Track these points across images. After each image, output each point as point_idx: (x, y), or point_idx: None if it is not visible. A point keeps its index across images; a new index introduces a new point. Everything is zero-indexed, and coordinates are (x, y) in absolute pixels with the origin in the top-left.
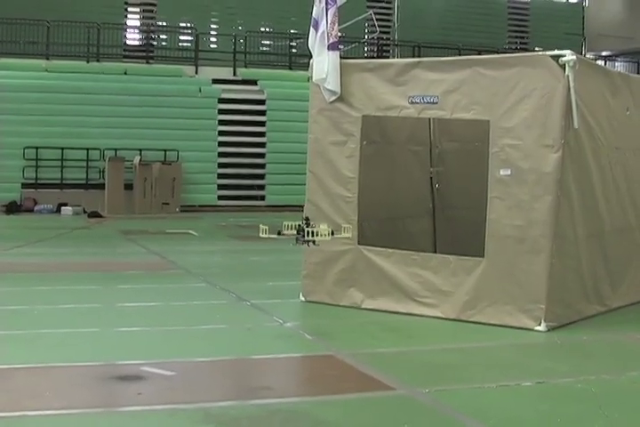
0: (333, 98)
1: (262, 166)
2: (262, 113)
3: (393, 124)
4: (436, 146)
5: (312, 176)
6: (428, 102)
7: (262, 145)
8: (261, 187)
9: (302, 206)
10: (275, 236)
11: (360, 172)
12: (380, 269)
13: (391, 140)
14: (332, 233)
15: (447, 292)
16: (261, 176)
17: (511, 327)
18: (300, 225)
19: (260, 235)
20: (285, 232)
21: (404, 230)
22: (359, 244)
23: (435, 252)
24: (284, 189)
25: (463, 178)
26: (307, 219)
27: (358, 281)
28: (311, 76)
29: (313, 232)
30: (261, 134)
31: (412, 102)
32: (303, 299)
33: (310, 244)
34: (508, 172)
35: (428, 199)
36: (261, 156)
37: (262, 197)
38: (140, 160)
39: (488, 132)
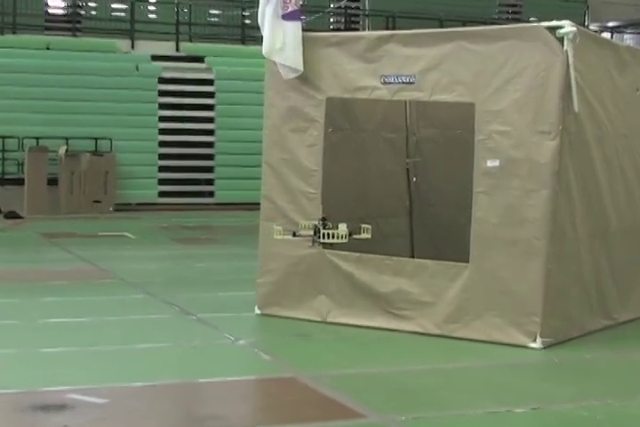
0: (294, 75)
1: (211, 157)
2: (210, 95)
3: (363, 108)
4: (412, 133)
5: (269, 169)
6: (403, 82)
7: (211, 133)
8: (210, 181)
9: (258, 204)
10: (290, 237)
11: (324, 163)
12: (347, 277)
13: (361, 127)
14: (351, 234)
15: (426, 303)
16: (210, 169)
17: (501, 344)
18: (316, 225)
19: (275, 236)
20: (302, 233)
21: (377, 231)
22: (324, 248)
23: (412, 256)
24: (237, 184)
25: (445, 170)
26: (324, 219)
27: (323, 291)
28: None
29: (329, 234)
30: (210, 120)
31: (385, 82)
32: (259, 312)
33: (327, 245)
34: (497, 163)
35: (404, 195)
36: (210, 145)
37: (211, 194)
38: (67, 151)
39: (473, 117)
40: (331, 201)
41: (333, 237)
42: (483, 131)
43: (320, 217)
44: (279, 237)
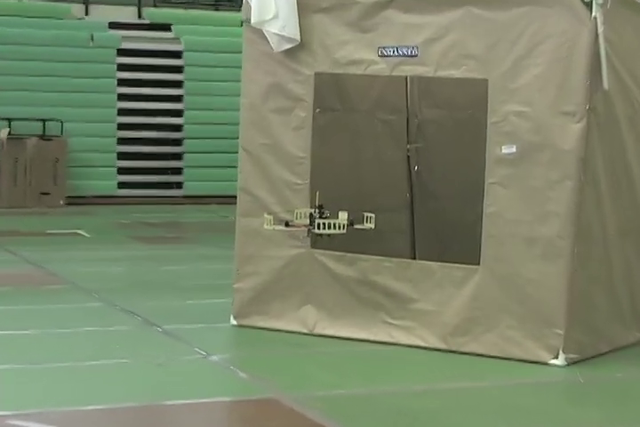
0: (289, 46)
1: (179, 142)
2: (178, 70)
3: (357, 85)
4: (414, 114)
5: (247, 156)
6: (404, 55)
7: (178, 113)
8: (178, 171)
9: (235, 197)
10: (282, 228)
11: (312, 149)
12: (339, 281)
13: (354, 107)
14: (352, 224)
15: (430, 311)
16: (178, 156)
17: (517, 361)
18: (311, 214)
19: (265, 226)
20: (296, 222)
21: (373, 229)
22: (312, 247)
23: (414, 258)
24: (210, 174)
25: (452, 158)
26: (320, 207)
27: (310, 298)
28: (245, 19)
29: (326, 224)
30: (177, 99)
31: (383, 55)
32: (235, 323)
33: (324, 236)
34: (513, 149)
35: (404, 186)
36: (177, 128)
37: (179, 185)
38: (9, 133)
39: (486, 96)
40: (319, 193)
41: (331, 227)
42: (497, 112)
43: (316, 204)
44: (269, 227)
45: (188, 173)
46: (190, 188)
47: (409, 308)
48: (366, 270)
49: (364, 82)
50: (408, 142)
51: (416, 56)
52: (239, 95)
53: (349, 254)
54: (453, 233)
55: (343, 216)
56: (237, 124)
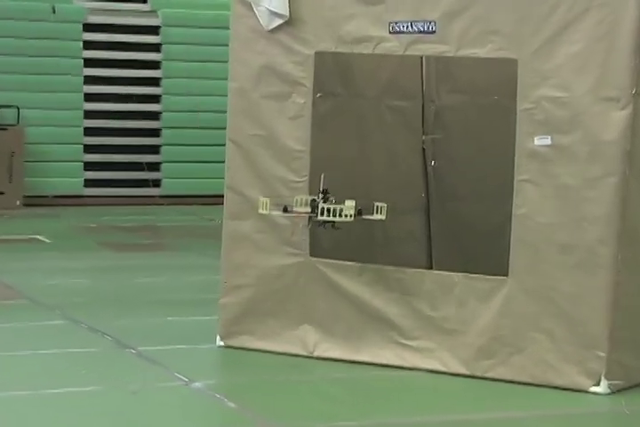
0: (277, 23)
1: (156, 133)
2: (155, 48)
3: (364, 67)
4: (431, 100)
5: (235, 149)
6: (419, 31)
7: (156, 99)
8: (155, 166)
9: (221, 197)
10: (279, 213)
11: (312, 141)
12: (343, 296)
13: (361, 92)
14: (360, 213)
15: (450, 330)
16: (155, 149)
17: (552, 388)
18: (314, 200)
19: (259, 210)
20: (296, 209)
21: (383, 234)
22: (312, 255)
23: (430, 267)
24: (192, 170)
25: (475, 151)
26: (324, 192)
27: (310, 314)
28: None
29: (331, 210)
30: (154, 82)
31: (395, 31)
32: (221, 344)
33: (327, 226)
34: (547, 140)
35: (418, 185)
36: (154, 116)
37: (156, 183)
38: None
39: (515, 79)
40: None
41: (336, 213)
42: (528, 97)
43: (320, 188)
44: (264, 211)
45: (167, 169)
46: (169, 186)
47: (425, 326)
48: (375, 282)
49: (372, 63)
50: (423, 133)
51: (433, 32)
52: (226, 78)
53: (355, 264)
54: (477, 239)
55: (350, 204)
56: (224, 111)
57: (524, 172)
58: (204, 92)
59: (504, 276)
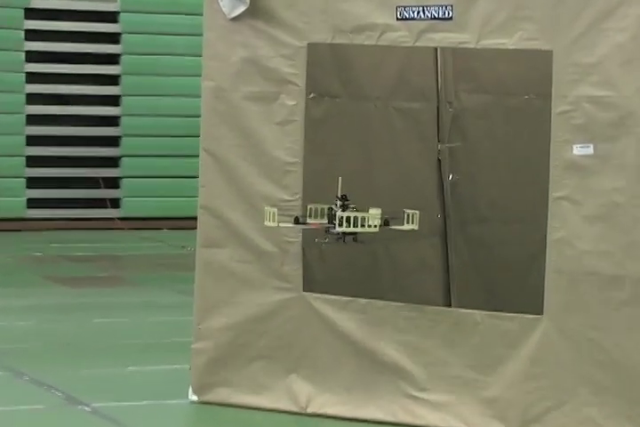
0: (241, 10)
1: (114, 142)
2: (113, 39)
3: (366, 61)
4: (447, 102)
5: (211, 161)
6: (433, 18)
7: (114, 101)
8: (113, 182)
9: (194, 219)
10: (289, 225)
11: (305, 152)
12: (344, 339)
13: (363, 92)
14: (387, 223)
15: (472, 381)
16: (113, 162)
17: None
18: (331, 208)
19: (266, 222)
20: (309, 221)
21: (392, 263)
22: (305, 289)
23: (448, 304)
24: (158, 187)
25: (501, 163)
26: (343, 198)
27: (302, 362)
28: None
29: (352, 219)
30: (112, 80)
31: (404, 18)
32: (194, 398)
33: (346, 239)
34: (590, 149)
35: (433, 204)
36: (112, 122)
37: (115, 203)
38: None
39: (549, 74)
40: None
41: (358, 224)
42: (566, 97)
43: (338, 194)
44: (272, 223)
45: (128, 186)
46: (131, 206)
47: (442, 375)
48: (382, 323)
49: (376, 56)
50: (439, 141)
51: (450, 19)
52: (200, 76)
53: (357, 300)
54: (504, 269)
55: (375, 211)
56: (197, 116)
57: (560, 187)
58: (173, 92)
59: (538, 314)
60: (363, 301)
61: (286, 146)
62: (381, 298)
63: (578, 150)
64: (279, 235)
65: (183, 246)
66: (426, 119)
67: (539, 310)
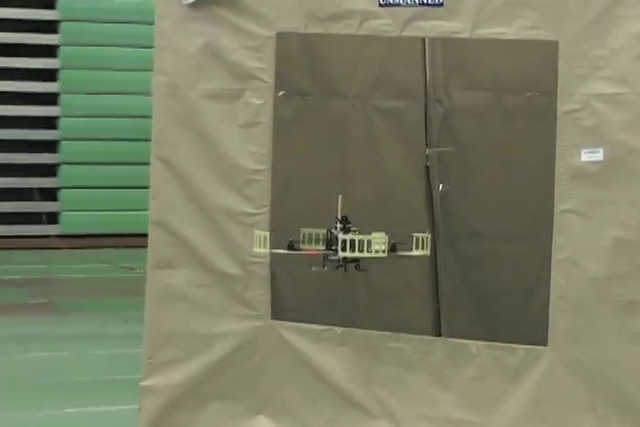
0: None
1: (52, 147)
2: (51, 28)
3: (344, 54)
4: (437, 100)
5: (164, 170)
6: (421, 3)
7: (51, 99)
8: (50, 194)
9: (144, 237)
10: (282, 251)
11: (274, 158)
12: (317, 374)
13: (340, 89)
14: (394, 249)
15: (467, 422)
16: (50, 170)
17: None
18: (330, 232)
19: (255, 249)
20: (304, 247)
21: (373, 285)
22: (274, 317)
23: (438, 333)
24: (102, 200)
25: (498, 170)
26: (344, 219)
27: (270, 401)
28: None
29: (357, 243)
30: (49, 76)
31: (388, 4)
32: None
33: (349, 267)
34: (600, 155)
35: (421, 218)
36: (49, 123)
37: (52, 218)
38: None
39: (555, 68)
40: (285, 230)
41: (364, 248)
42: (573, 95)
43: (338, 215)
44: (262, 250)
45: (68, 198)
46: (71, 222)
47: (431, 416)
48: (361, 355)
49: (355, 48)
50: (427, 145)
51: (441, 5)
52: (150, 70)
53: (334, 329)
54: (503, 294)
55: (380, 235)
56: (148, 117)
57: (567, 199)
58: (120, 90)
59: (541, 345)
60: (340, 330)
61: (251, 151)
62: (361, 326)
63: (587, 156)
64: (243, 254)
65: (132, 268)
66: (412, 120)
67: (543, 341)
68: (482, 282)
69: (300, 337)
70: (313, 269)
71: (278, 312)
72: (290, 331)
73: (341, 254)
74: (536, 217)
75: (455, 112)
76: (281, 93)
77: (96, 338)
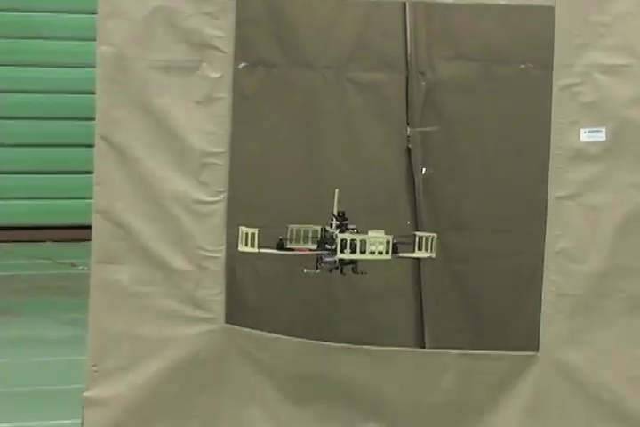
0: None
1: None
2: None
3: (314, 20)
4: (420, 72)
5: (109, 152)
6: None
7: None
8: None
9: (86, 228)
10: (271, 251)
11: (234, 139)
12: (279, 386)
13: (309, 60)
14: (396, 249)
15: None
16: None
17: None
18: (324, 229)
19: (241, 247)
20: (294, 246)
21: (347, 283)
22: (229, 321)
23: (422, 343)
24: (36, 186)
25: (488, 151)
26: (341, 216)
27: (224, 416)
28: None
29: (359, 243)
30: None
31: None
32: None
33: (345, 270)
34: (602, 135)
35: (402, 205)
36: None
37: None
38: None
39: (550, 37)
40: (246, 220)
41: (365, 249)
42: (572, 66)
43: (334, 211)
44: (251, 249)
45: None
46: (3, 212)
47: None
48: (329, 366)
49: (328, 13)
50: (408, 124)
51: None
52: (93, 40)
53: (291, 339)
54: (491, 291)
55: (378, 233)
56: (91, 92)
57: (564, 184)
58: (56, 62)
59: (532, 351)
60: (296, 340)
61: (208, 131)
62: (338, 329)
63: (587, 136)
64: (195, 248)
65: (73, 264)
66: (391, 95)
67: (534, 346)
68: (468, 278)
69: (257, 344)
70: (305, 271)
71: (235, 315)
72: (246, 337)
73: (340, 256)
74: (530, 205)
75: (440, 86)
76: (242, 65)
77: (34, 343)
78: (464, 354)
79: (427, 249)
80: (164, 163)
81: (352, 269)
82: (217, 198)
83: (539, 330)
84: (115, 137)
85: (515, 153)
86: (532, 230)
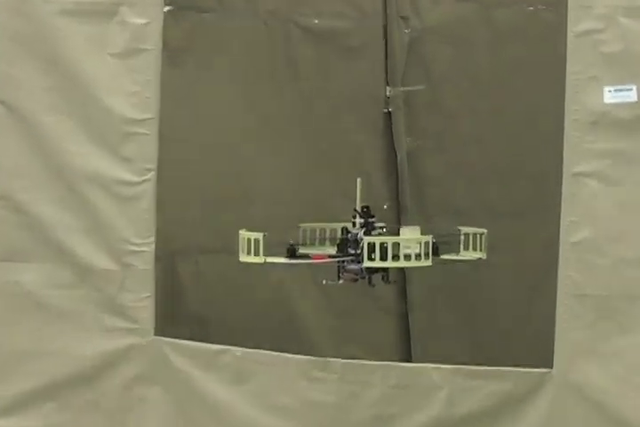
0: None
1: None
2: None
3: None
4: (401, 17)
5: (5, 116)
6: None
7: None
8: None
9: None
10: (281, 260)
11: (163, 103)
12: (223, 411)
13: (248, 3)
14: (437, 251)
15: None
16: None
17: None
18: (345, 229)
19: (242, 258)
20: (304, 251)
21: (317, 294)
22: (158, 333)
23: (408, 358)
24: None
25: (487, 119)
26: (366, 212)
27: None
28: None
29: (391, 248)
30: None
31: None
32: None
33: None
34: (631, 94)
35: (380, 187)
36: None
37: None
38: None
39: None
40: (186, 216)
41: (398, 254)
42: (591, 7)
43: (357, 207)
44: (253, 259)
45: None
46: None
47: None
48: (280, 387)
49: None
50: (388, 83)
51: None
52: None
53: (232, 350)
54: (493, 294)
55: (414, 232)
56: None
57: (583, 157)
58: None
59: (546, 368)
60: (240, 352)
61: (130, 92)
62: (306, 338)
63: (612, 95)
64: (118, 241)
65: None
66: (362, 46)
67: (547, 362)
68: (464, 277)
69: (192, 361)
70: (324, 282)
71: (168, 325)
72: (180, 353)
73: (368, 264)
74: (540, 184)
75: (426, 34)
76: (167, 9)
77: None
78: (458, 370)
79: (478, 248)
80: (76, 133)
81: (382, 277)
82: (144, 178)
83: (548, 343)
84: (10, 98)
85: (519, 119)
86: (541, 216)
